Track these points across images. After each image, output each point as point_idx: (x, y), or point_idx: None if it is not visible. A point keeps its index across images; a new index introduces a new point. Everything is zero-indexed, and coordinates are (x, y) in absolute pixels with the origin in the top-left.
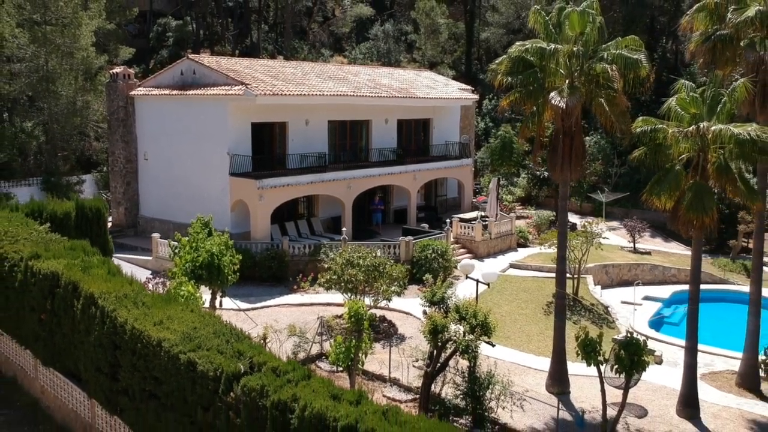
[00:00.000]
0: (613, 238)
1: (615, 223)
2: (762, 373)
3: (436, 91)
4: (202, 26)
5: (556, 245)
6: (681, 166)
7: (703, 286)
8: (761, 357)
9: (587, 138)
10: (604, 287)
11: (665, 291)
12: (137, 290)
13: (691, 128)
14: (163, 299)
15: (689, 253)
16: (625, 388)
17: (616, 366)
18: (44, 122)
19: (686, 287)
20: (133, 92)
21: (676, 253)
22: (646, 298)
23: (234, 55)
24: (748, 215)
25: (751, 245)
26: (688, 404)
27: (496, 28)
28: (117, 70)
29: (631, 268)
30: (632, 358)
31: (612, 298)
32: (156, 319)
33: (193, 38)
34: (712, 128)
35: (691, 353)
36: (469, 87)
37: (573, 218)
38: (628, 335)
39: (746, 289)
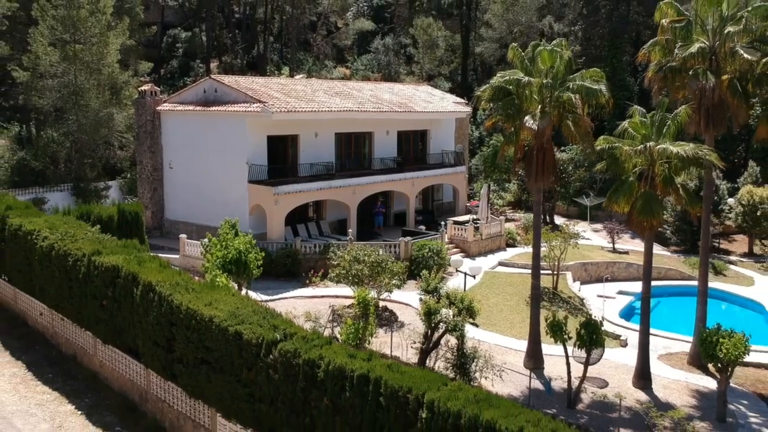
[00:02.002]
0: (596, 239)
1: (598, 226)
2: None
3: (433, 105)
4: (211, 38)
5: (546, 246)
6: (634, 178)
7: (671, 282)
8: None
9: (574, 146)
10: (583, 283)
11: (638, 286)
12: (186, 279)
13: (640, 147)
14: (208, 286)
15: (663, 252)
16: (586, 362)
17: (578, 342)
18: (73, 133)
19: (657, 283)
20: (159, 107)
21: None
22: (620, 292)
23: (243, 66)
24: (716, 218)
25: (722, 245)
26: (642, 377)
27: (490, 43)
28: (145, 87)
29: (608, 266)
30: (591, 335)
31: (589, 292)
32: (205, 301)
33: (206, 52)
34: (657, 147)
35: (644, 334)
36: (462, 100)
37: (560, 221)
38: (588, 317)
39: (710, 284)
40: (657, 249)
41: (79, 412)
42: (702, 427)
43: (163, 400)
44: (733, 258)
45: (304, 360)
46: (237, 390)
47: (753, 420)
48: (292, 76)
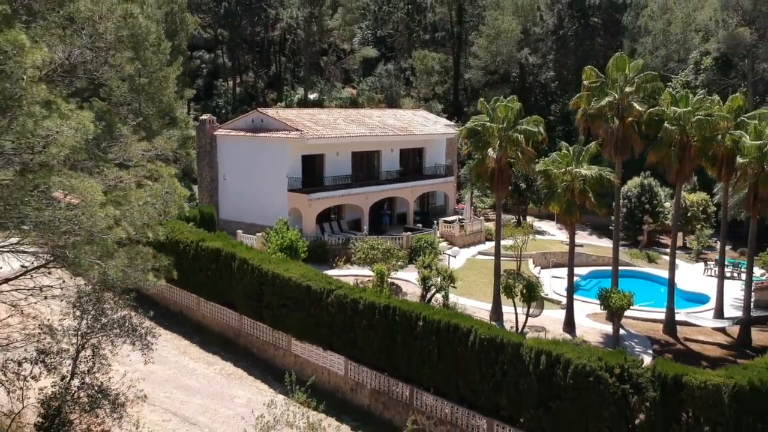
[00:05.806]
0: (559, 235)
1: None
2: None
3: (428, 128)
4: (234, 59)
5: (512, 239)
6: (562, 190)
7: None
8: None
9: (546, 158)
10: (543, 268)
11: (585, 270)
12: (267, 255)
13: (563, 170)
14: (282, 260)
15: (611, 245)
16: (527, 311)
17: (521, 298)
18: None
19: (603, 268)
20: (216, 132)
21: (602, 246)
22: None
23: (264, 87)
24: (652, 219)
25: (661, 239)
26: (568, 324)
27: (476, 70)
28: (204, 117)
29: (563, 255)
30: (530, 292)
31: (547, 274)
32: (283, 268)
33: (230, 73)
34: (574, 170)
35: (570, 296)
36: (452, 122)
37: (530, 220)
38: (528, 278)
39: (644, 269)
40: (606, 242)
41: (194, 345)
42: None
43: (252, 335)
44: (668, 250)
45: (351, 299)
46: (307, 321)
47: (637, 349)
48: (306, 95)
